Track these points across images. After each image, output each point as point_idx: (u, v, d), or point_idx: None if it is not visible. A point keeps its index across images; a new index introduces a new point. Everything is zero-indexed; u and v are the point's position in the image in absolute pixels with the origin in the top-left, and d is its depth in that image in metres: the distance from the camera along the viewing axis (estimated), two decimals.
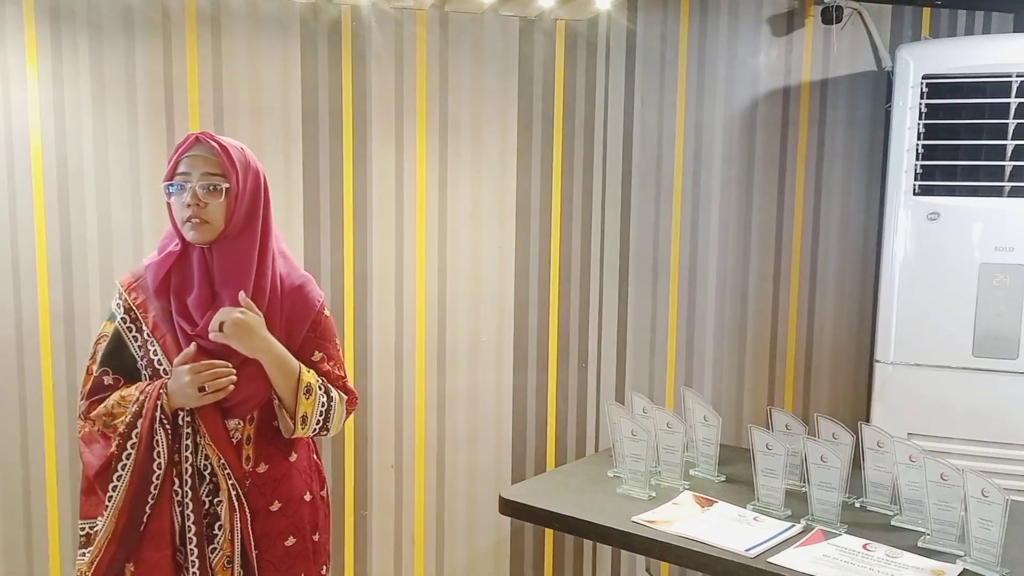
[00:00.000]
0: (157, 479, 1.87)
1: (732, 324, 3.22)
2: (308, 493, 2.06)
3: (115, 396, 1.93)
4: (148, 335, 1.94)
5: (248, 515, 1.92)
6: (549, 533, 3.18)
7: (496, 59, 2.94)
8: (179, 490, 1.89)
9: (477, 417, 3.07)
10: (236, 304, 1.88)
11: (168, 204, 1.92)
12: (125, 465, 1.87)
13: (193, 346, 1.89)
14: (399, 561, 3.03)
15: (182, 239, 1.92)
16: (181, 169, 1.90)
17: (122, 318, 1.96)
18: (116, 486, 1.87)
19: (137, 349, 1.96)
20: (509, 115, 2.98)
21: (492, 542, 3.13)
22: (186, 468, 1.89)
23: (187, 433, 1.90)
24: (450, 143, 2.93)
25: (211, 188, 1.88)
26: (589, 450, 3.20)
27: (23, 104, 2.54)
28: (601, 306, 3.17)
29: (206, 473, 1.91)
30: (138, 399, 1.90)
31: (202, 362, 1.87)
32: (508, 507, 2.33)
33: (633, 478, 2.34)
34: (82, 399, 1.98)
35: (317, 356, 2.04)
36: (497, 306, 3.04)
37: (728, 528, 2.09)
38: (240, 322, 1.85)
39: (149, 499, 1.87)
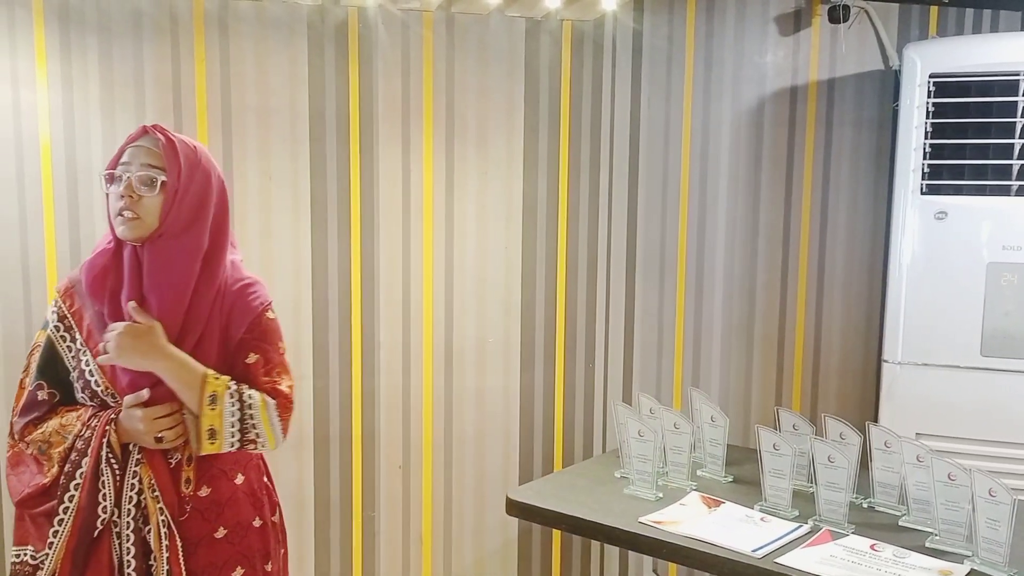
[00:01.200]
0: (102, 523, 1.76)
1: (739, 324, 3.21)
2: (258, 518, 1.91)
3: (54, 423, 1.80)
4: (81, 344, 1.82)
5: (179, 546, 1.77)
6: (556, 534, 3.19)
7: (502, 60, 2.94)
8: (118, 521, 1.76)
9: (484, 418, 3.07)
10: (167, 307, 1.77)
11: (106, 196, 1.81)
12: (68, 508, 1.75)
13: (146, 391, 1.76)
14: (407, 562, 3.04)
15: (115, 236, 1.79)
16: (123, 159, 1.79)
17: (55, 326, 1.84)
18: (58, 531, 1.75)
19: (70, 360, 1.83)
20: (515, 116, 2.98)
21: (499, 543, 3.14)
22: (129, 498, 1.76)
23: (133, 472, 1.77)
24: (456, 144, 2.93)
25: (146, 179, 1.75)
26: (596, 451, 3.20)
27: (32, 107, 2.55)
28: (608, 306, 3.17)
29: (140, 497, 1.77)
30: (81, 433, 1.77)
31: (158, 408, 1.75)
32: (515, 508, 2.33)
33: (640, 479, 2.34)
34: (14, 415, 1.84)
35: (252, 359, 1.86)
36: (504, 306, 3.05)
37: (735, 529, 2.09)
38: (121, 338, 1.72)
39: (92, 547, 1.76)
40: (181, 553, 1.78)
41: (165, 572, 1.76)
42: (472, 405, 3.05)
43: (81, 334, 1.82)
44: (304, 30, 2.75)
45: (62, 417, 1.81)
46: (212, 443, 1.78)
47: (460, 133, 2.93)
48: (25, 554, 1.80)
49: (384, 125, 2.85)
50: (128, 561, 1.75)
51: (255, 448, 1.87)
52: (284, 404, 1.87)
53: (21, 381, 1.87)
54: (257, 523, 1.91)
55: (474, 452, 3.07)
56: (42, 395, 1.83)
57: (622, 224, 3.14)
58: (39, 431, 1.81)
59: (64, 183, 2.59)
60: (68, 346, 1.83)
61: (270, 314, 1.91)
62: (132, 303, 1.76)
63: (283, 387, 1.88)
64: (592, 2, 2.74)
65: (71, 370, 1.84)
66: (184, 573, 1.77)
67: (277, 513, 2.01)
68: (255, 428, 1.83)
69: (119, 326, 1.73)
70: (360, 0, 2.71)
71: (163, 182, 1.76)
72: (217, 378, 1.80)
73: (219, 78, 2.69)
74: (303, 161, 2.79)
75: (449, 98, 2.91)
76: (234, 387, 1.81)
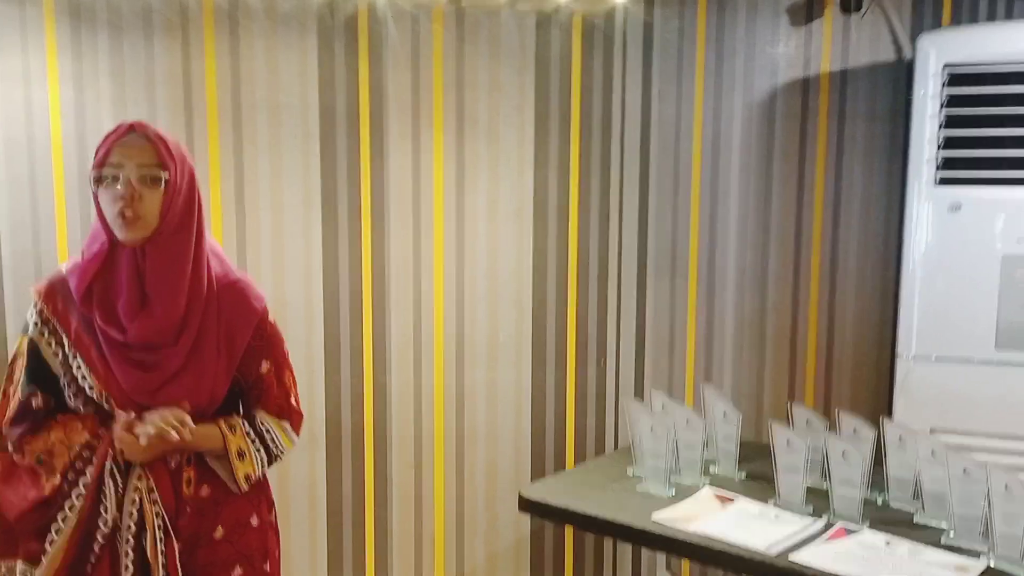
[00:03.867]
0: (103, 538, 1.73)
1: (751, 319, 3.20)
2: (255, 517, 1.91)
3: (56, 434, 1.75)
4: (70, 348, 1.77)
5: (176, 548, 1.76)
6: (569, 531, 3.18)
7: (513, 54, 2.93)
8: (119, 530, 1.74)
9: (496, 415, 3.07)
10: (169, 308, 1.74)
11: (95, 198, 1.74)
12: (67, 518, 1.73)
13: (131, 414, 1.73)
14: (419, 559, 3.05)
15: (110, 237, 1.74)
16: (113, 159, 1.72)
17: (40, 331, 1.78)
18: (54, 540, 1.72)
19: (59, 365, 1.78)
20: (526, 110, 2.97)
21: (512, 540, 3.14)
22: (129, 513, 1.74)
23: (135, 485, 1.75)
24: (467, 139, 2.93)
25: (148, 179, 1.71)
26: (608, 447, 3.20)
27: (44, 104, 2.56)
28: (619, 302, 3.16)
29: (139, 505, 1.75)
30: (88, 443, 1.74)
31: (149, 429, 1.70)
32: (528, 505, 2.32)
33: (653, 475, 2.33)
34: (3, 426, 1.78)
35: (265, 367, 1.89)
36: (515, 303, 3.04)
37: (749, 525, 2.08)
38: (155, 439, 1.69)
39: (92, 557, 1.73)
40: (178, 556, 1.76)
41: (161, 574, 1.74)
42: (484, 402, 3.05)
43: (69, 338, 1.77)
44: (314, 25, 2.74)
45: (65, 426, 1.77)
46: (248, 483, 1.86)
47: (470, 128, 2.92)
48: (5, 568, 1.78)
49: (394, 120, 2.85)
50: (128, 570, 1.74)
51: (279, 460, 1.94)
52: (297, 420, 1.97)
53: (4, 391, 1.81)
54: (255, 522, 1.91)
55: (486, 449, 3.07)
56: (36, 402, 1.78)
57: (633, 218, 3.13)
58: (40, 441, 1.76)
59: (76, 180, 2.60)
60: (55, 351, 1.78)
61: (270, 316, 1.93)
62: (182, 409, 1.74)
63: (294, 401, 1.96)
64: None
65: (59, 375, 1.78)
66: (193, 571, 1.77)
67: (272, 512, 2.01)
68: (278, 449, 1.91)
69: (152, 425, 1.70)
70: None
71: (166, 180, 1.73)
72: (232, 429, 1.83)
73: (229, 74, 2.69)
74: (313, 157, 2.79)
75: (459, 93, 2.90)
76: (252, 433, 1.86)
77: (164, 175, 1.73)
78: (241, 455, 1.83)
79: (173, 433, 1.69)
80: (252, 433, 1.87)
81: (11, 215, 2.57)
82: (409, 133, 2.87)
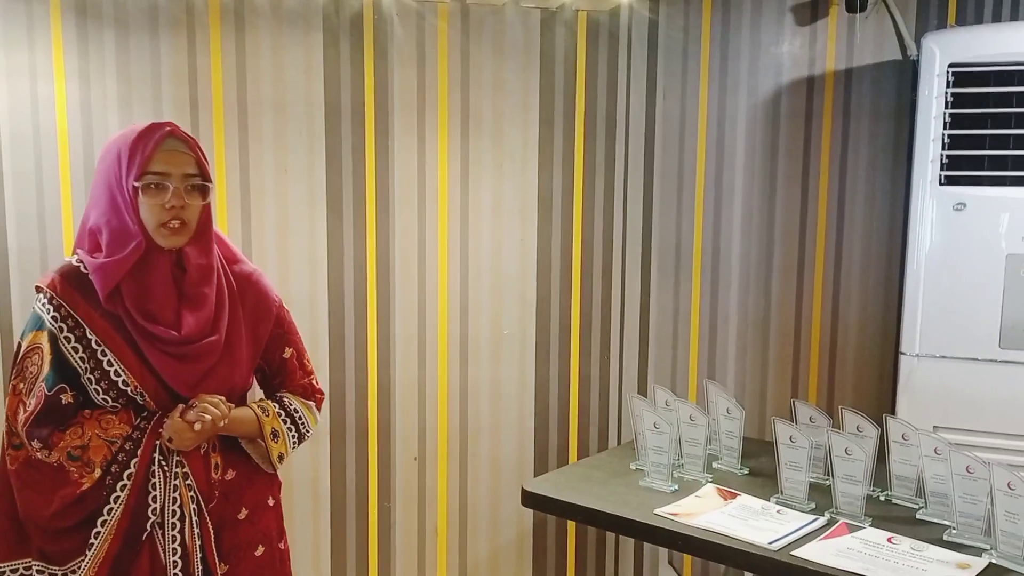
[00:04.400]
0: (151, 526, 1.76)
1: (755, 316, 3.20)
2: (271, 498, 1.98)
3: (91, 428, 1.74)
4: (97, 344, 1.75)
5: (211, 532, 1.81)
6: (572, 525, 3.19)
7: (517, 51, 2.94)
8: (162, 522, 1.77)
9: (500, 410, 3.08)
10: (208, 303, 1.80)
11: (128, 200, 1.73)
12: (112, 510, 1.73)
13: (180, 405, 1.78)
14: (423, 553, 3.05)
15: (148, 242, 1.75)
16: (157, 167, 1.72)
17: (58, 326, 1.74)
18: (100, 532, 1.72)
19: (80, 361, 1.75)
20: (530, 108, 2.98)
21: (515, 534, 3.15)
22: (172, 499, 1.77)
23: (176, 472, 1.78)
24: (472, 136, 2.93)
25: (199, 191, 1.76)
26: (611, 443, 3.20)
27: (50, 100, 2.57)
28: (623, 298, 3.17)
29: (178, 493, 1.79)
30: (129, 435, 1.75)
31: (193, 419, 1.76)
32: (531, 499, 2.33)
33: (656, 471, 2.34)
34: (26, 424, 1.73)
35: (288, 353, 2.00)
36: (519, 298, 3.05)
37: (751, 521, 2.09)
38: (209, 426, 1.76)
39: (137, 547, 1.75)
40: (213, 538, 1.82)
41: (199, 560, 1.79)
42: (487, 397, 3.06)
43: (95, 333, 1.75)
44: (319, 22, 2.75)
45: (99, 420, 1.76)
46: (282, 462, 1.96)
47: (475, 125, 2.93)
48: (23, 567, 1.77)
49: (399, 117, 2.86)
50: (174, 556, 1.77)
51: (307, 440, 2.05)
52: (320, 399, 2.08)
53: (14, 387, 1.77)
54: (271, 502, 1.99)
55: (489, 444, 3.08)
56: (66, 399, 1.75)
57: (637, 216, 3.14)
58: (74, 437, 1.74)
59: (82, 177, 2.61)
60: (75, 346, 1.76)
61: (284, 305, 2.03)
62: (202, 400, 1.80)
63: (316, 382, 2.07)
64: None
65: (82, 371, 1.76)
66: (217, 560, 1.82)
67: (280, 492, 2.07)
68: (306, 428, 2.02)
69: (204, 412, 1.77)
70: None
71: (210, 189, 1.79)
72: (266, 412, 1.93)
73: (235, 71, 2.70)
74: (319, 154, 2.80)
75: (464, 90, 2.91)
76: (284, 414, 1.97)
77: (210, 185, 1.79)
78: (275, 436, 1.92)
79: (222, 418, 1.78)
80: (284, 414, 1.96)
81: (17, 210, 2.58)
82: (414, 130, 2.88)
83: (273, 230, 2.78)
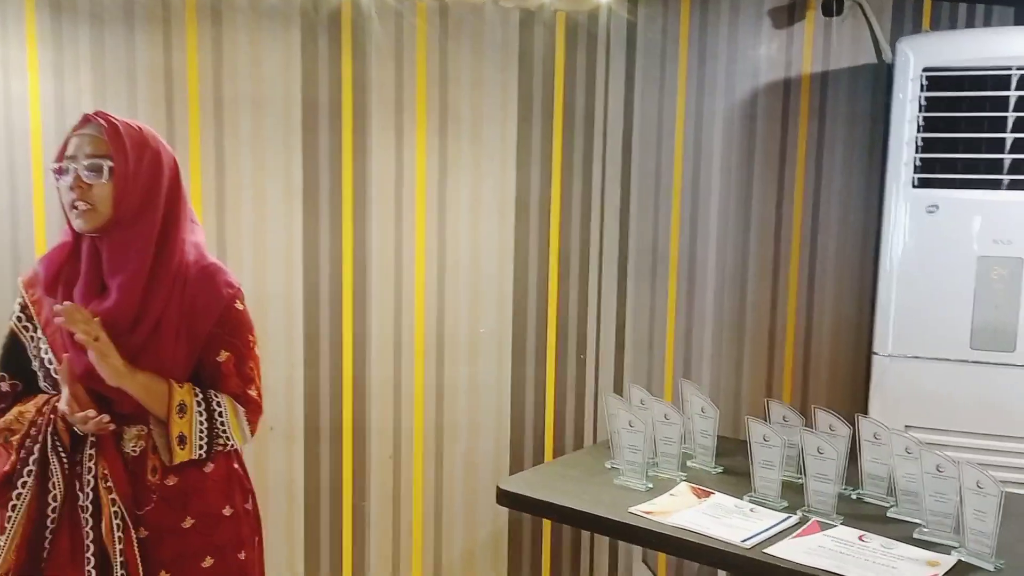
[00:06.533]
0: (53, 511, 1.73)
1: (731, 316, 3.22)
2: (228, 507, 1.88)
3: (14, 411, 1.79)
4: (40, 333, 1.82)
5: (134, 538, 1.74)
6: (547, 524, 3.19)
7: (496, 51, 2.94)
8: (80, 512, 1.73)
9: (476, 408, 3.07)
10: (126, 295, 1.75)
11: (57, 190, 1.79)
12: (21, 495, 1.73)
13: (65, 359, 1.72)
14: (397, 551, 3.05)
15: (72, 229, 1.79)
16: (68, 151, 1.76)
17: (18, 316, 1.85)
18: (11, 517, 1.72)
19: (32, 350, 1.83)
20: (509, 107, 2.98)
21: (490, 533, 3.14)
22: (86, 493, 1.73)
23: (89, 464, 1.73)
24: (450, 135, 2.93)
25: (94, 168, 1.73)
26: (587, 442, 3.21)
27: (23, 96, 2.54)
28: (600, 298, 3.17)
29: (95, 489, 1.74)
30: (35, 420, 1.75)
31: (81, 415, 1.69)
32: (506, 498, 2.33)
33: (630, 469, 2.34)
34: None
35: (223, 356, 1.85)
36: (496, 298, 3.05)
37: (725, 519, 2.10)
38: (96, 356, 1.69)
39: (47, 533, 1.73)
40: (136, 546, 1.74)
41: (119, 564, 1.72)
42: (463, 396, 3.06)
43: (40, 322, 1.82)
44: (297, 19, 2.74)
45: (22, 405, 1.80)
46: (182, 450, 1.79)
47: (453, 123, 2.93)
48: None
49: (377, 115, 2.85)
50: (88, 549, 1.72)
51: (223, 450, 1.87)
52: (254, 410, 1.90)
53: None
54: (228, 512, 1.89)
55: (465, 443, 3.08)
56: (4, 387, 1.84)
57: (614, 216, 3.14)
58: (2, 420, 1.79)
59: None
60: (31, 336, 1.83)
61: (239, 304, 1.88)
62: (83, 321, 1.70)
63: (253, 393, 1.89)
64: None
65: (32, 359, 1.83)
66: (140, 565, 1.74)
67: (250, 501, 1.98)
68: (225, 433, 1.84)
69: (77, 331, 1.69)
70: None
71: (111, 167, 1.74)
72: (182, 386, 1.80)
73: (211, 67, 2.69)
74: (295, 151, 2.79)
75: (442, 88, 2.91)
76: (201, 395, 1.82)
77: (108, 163, 1.73)
78: (182, 409, 1.78)
79: (92, 335, 1.68)
80: (201, 397, 1.82)
81: None
82: (392, 128, 2.87)
83: (249, 226, 2.77)
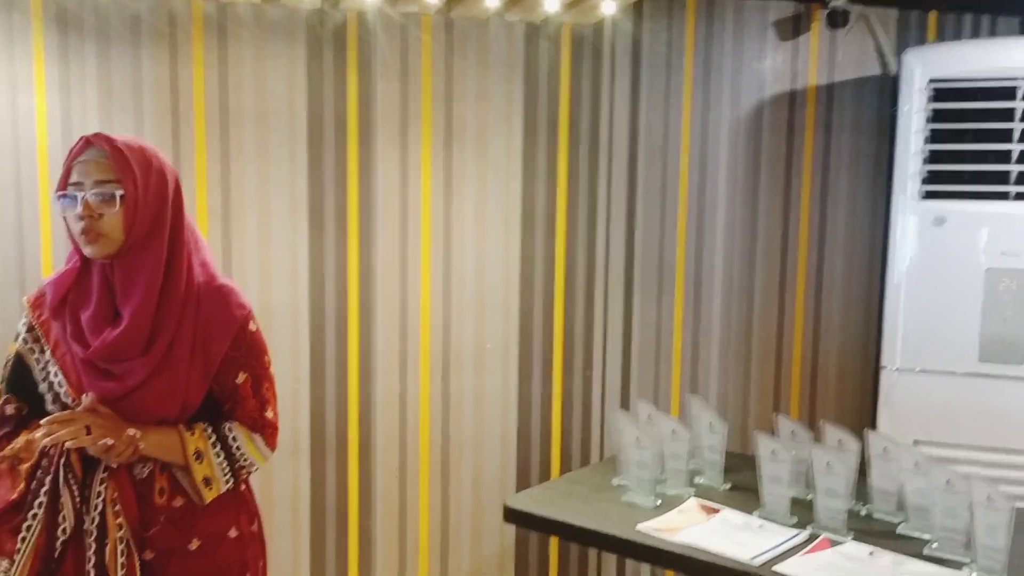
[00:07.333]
0: (62, 544, 1.71)
1: (738, 330, 3.21)
2: (234, 529, 1.86)
3: (23, 438, 1.73)
4: (49, 356, 1.78)
5: (136, 563, 1.72)
6: (554, 541, 3.18)
7: (501, 64, 2.94)
8: (85, 538, 1.71)
9: (482, 424, 3.06)
10: (138, 320, 1.72)
11: (63, 218, 1.76)
12: (31, 527, 1.71)
13: (89, 396, 1.71)
14: (403, 568, 3.03)
15: (81, 254, 1.76)
16: (73, 178, 1.73)
17: (24, 338, 1.81)
18: (20, 548, 1.70)
19: (39, 372, 1.79)
20: (514, 120, 2.98)
21: (496, 550, 3.13)
22: (92, 518, 1.71)
23: (99, 491, 1.72)
24: (455, 148, 2.93)
25: (105, 197, 1.70)
26: (594, 458, 3.20)
27: (30, 111, 2.55)
28: (606, 312, 3.16)
29: (103, 514, 1.73)
30: (45, 450, 1.71)
31: (90, 437, 1.67)
32: (513, 515, 2.31)
33: (638, 486, 2.33)
34: None
35: (241, 378, 1.84)
36: (502, 312, 3.04)
37: (733, 536, 2.08)
38: (103, 434, 1.67)
39: (53, 565, 1.70)
40: (140, 570, 1.73)
41: None
42: (469, 411, 3.05)
43: (48, 344, 1.79)
44: (303, 34, 2.75)
45: (32, 431, 1.74)
46: (210, 489, 1.80)
47: (459, 138, 2.93)
48: None
49: (382, 129, 2.85)
50: (89, 575, 1.70)
51: (249, 474, 1.88)
52: (271, 434, 1.90)
53: None
54: (233, 533, 1.87)
55: (471, 459, 3.07)
56: (10, 409, 1.80)
57: (620, 230, 3.14)
58: (9, 447, 1.74)
59: None
60: (37, 358, 1.80)
61: (252, 325, 1.87)
62: (88, 396, 1.70)
63: (269, 415, 1.89)
64: (592, 7, 2.74)
65: (39, 382, 1.79)
66: None
67: (256, 523, 1.96)
68: (245, 459, 1.85)
69: (82, 441, 1.67)
70: (359, 4, 2.71)
71: (122, 196, 1.71)
72: (192, 431, 1.79)
73: (217, 82, 2.69)
74: (301, 165, 2.79)
75: (448, 102, 2.91)
76: (214, 435, 1.81)
77: (119, 192, 1.71)
78: (199, 456, 1.78)
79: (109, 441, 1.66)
80: (215, 436, 1.82)
81: None
82: (397, 142, 2.87)
83: (254, 242, 2.77)
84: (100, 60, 2.59)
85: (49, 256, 2.60)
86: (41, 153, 2.57)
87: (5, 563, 1.75)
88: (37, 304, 1.83)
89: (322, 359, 2.86)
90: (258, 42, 2.71)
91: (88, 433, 1.68)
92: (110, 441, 1.66)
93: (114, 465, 1.74)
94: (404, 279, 2.92)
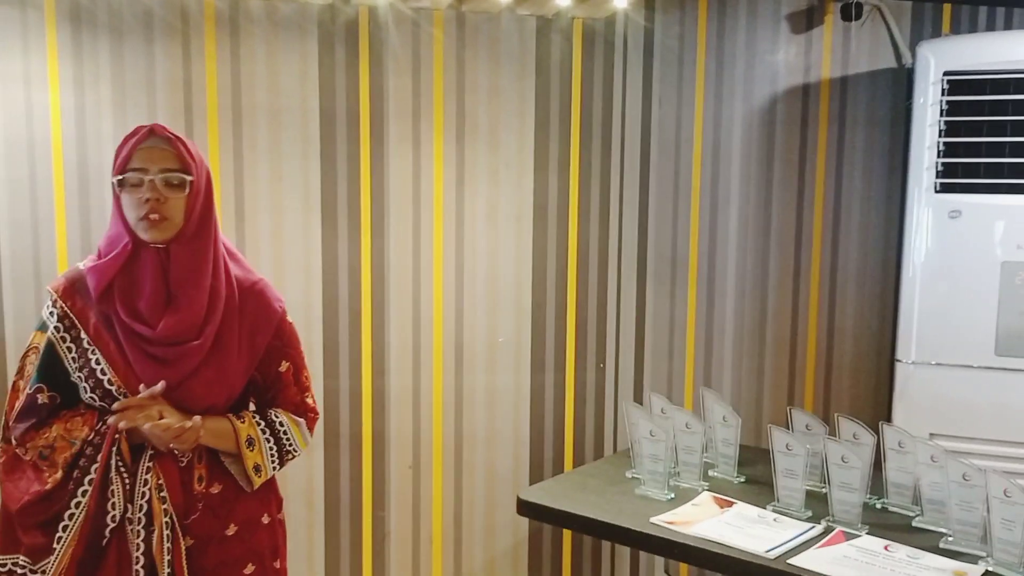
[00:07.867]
0: (110, 532, 1.74)
1: (751, 324, 3.20)
2: (266, 515, 1.94)
3: (57, 428, 1.77)
4: (88, 343, 1.78)
5: (183, 548, 1.76)
6: (567, 534, 3.18)
7: (513, 59, 2.94)
8: (129, 525, 1.74)
9: (495, 418, 3.07)
10: (193, 304, 1.78)
11: (116, 201, 1.79)
12: (75, 515, 1.73)
13: (161, 384, 1.75)
14: (417, 562, 3.04)
15: (133, 239, 1.78)
16: (135, 164, 1.76)
17: (55, 327, 1.80)
18: (62, 537, 1.72)
19: (72, 361, 1.79)
20: (526, 115, 2.98)
21: (510, 543, 3.13)
22: (140, 506, 1.74)
23: (145, 478, 1.75)
24: (467, 143, 2.93)
25: (172, 182, 1.76)
26: (607, 451, 3.19)
27: (44, 108, 2.56)
28: (619, 306, 3.16)
29: (149, 501, 1.75)
30: (89, 439, 1.75)
31: (164, 422, 1.72)
32: (526, 508, 2.32)
33: (652, 479, 2.33)
34: (9, 419, 1.80)
35: (284, 366, 1.95)
36: (514, 306, 3.04)
37: (747, 529, 2.08)
38: (163, 437, 1.72)
39: (99, 553, 1.73)
40: (185, 556, 1.77)
41: (168, 574, 1.74)
42: (482, 405, 3.05)
43: (87, 333, 1.79)
44: (315, 29, 2.75)
45: (67, 421, 1.79)
46: (259, 476, 1.89)
47: (471, 132, 2.93)
48: (11, 562, 1.77)
49: (395, 124, 2.85)
50: (138, 562, 1.73)
51: (292, 459, 1.98)
52: (313, 418, 2.01)
53: (14, 384, 1.84)
54: (266, 520, 1.94)
55: (484, 452, 3.07)
56: (42, 399, 1.80)
57: (633, 223, 3.13)
58: (42, 436, 1.77)
59: (76, 184, 2.60)
60: (69, 347, 1.80)
61: (288, 317, 1.98)
62: (160, 383, 1.75)
63: (310, 401, 2.00)
64: (603, 0, 2.73)
65: (73, 371, 1.80)
66: (187, 572, 1.77)
67: (281, 510, 2.03)
68: (291, 444, 1.95)
69: (157, 426, 1.71)
70: None
71: (191, 182, 1.79)
72: (243, 420, 1.87)
73: (230, 78, 2.70)
74: (313, 161, 2.79)
75: (460, 97, 2.91)
76: (263, 422, 1.90)
77: (189, 178, 1.78)
78: (251, 443, 1.86)
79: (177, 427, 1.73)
80: (263, 423, 1.91)
81: (11, 216, 2.57)
82: (409, 137, 2.88)
83: (267, 237, 2.77)
84: (113, 56, 2.60)
85: (64, 249, 2.61)
86: (55, 149, 2.58)
87: (21, 558, 1.76)
88: (68, 293, 1.82)
89: (335, 354, 2.87)
90: (270, 38, 2.72)
91: (160, 418, 1.73)
92: (188, 424, 1.73)
93: (177, 452, 1.79)
94: (417, 274, 2.93)
